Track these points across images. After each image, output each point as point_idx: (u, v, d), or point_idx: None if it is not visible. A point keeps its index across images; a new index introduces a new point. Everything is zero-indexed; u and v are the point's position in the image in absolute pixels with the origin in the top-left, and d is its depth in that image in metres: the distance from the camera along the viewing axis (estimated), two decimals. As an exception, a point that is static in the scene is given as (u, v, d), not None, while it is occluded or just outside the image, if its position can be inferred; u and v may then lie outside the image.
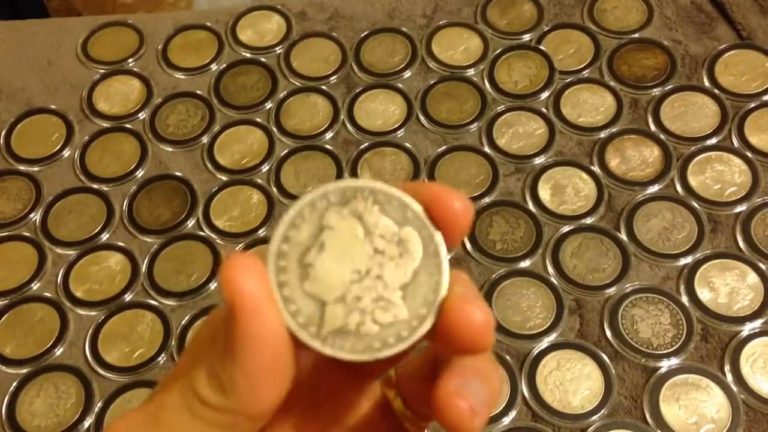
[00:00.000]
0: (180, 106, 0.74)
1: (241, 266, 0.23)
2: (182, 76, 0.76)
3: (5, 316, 0.63)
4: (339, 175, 0.69)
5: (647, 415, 0.56)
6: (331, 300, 0.24)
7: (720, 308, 0.60)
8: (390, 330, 0.24)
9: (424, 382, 0.27)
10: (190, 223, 0.67)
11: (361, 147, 0.70)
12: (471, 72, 0.74)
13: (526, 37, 0.76)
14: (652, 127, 0.70)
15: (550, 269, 0.63)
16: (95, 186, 0.69)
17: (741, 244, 0.63)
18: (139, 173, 0.70)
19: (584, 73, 0.73)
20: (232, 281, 0.23)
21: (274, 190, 0.68)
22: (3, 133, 0.72)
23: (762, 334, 0.59)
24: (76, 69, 0.76)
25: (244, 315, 0.23)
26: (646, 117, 0.70)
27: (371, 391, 0.29)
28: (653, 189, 0.66)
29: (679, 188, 0.66)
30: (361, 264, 0.24)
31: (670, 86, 0.72)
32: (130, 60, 0.77)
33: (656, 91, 0.71)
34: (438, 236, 0.24)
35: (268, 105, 0.73)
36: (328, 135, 0.71)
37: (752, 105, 0.70)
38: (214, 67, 0.76)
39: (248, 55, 0.77)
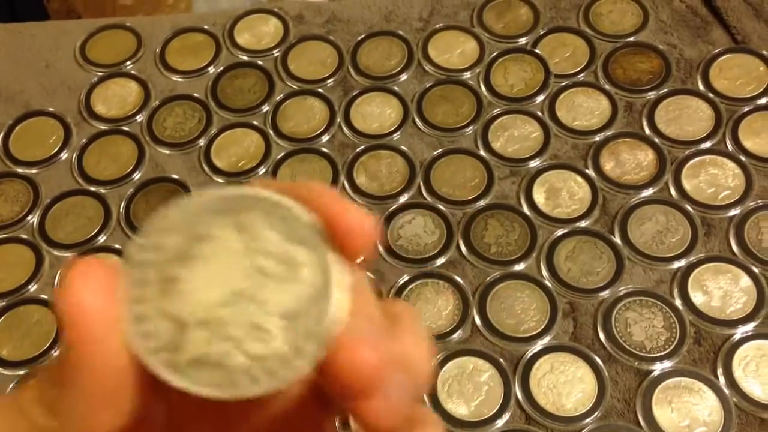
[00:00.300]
0: (177, 108, 0.74)
1: (83, 275, 0.19)
2: (180, 79, 0.76)
3: (2, 318, 0.63)
4: (335, 179, 0.69)
5: (640, 418, 0.57)
6: (193, 322, 0.19)
7: (713, 312, 0.61)
8: (262, 364, 0.19)
9: None
10: (187, 225, 0.67)
11: (357, 150, 0.70)
12: (467, 75, 0.74)
13: (522, 41, 0.76)
14: (647, 131, 0.70)
15: (545, 272, 0.63)
16: (93, 188, 0.70)
17: (734, 247, 0.63)
18: (137, 176, 0.70)
19: (579, 76, 0.74)
20: (71, 295, 0.19)
21: (271, 192, 0.68)
22: (1, 135, 0.73)
23: (754, 337, 0.59)
24: (74, 71, 0.77)
25: (81, 337, 0.19)
26: (640, 120, 0.71)
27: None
28: (647, 192, 0.67)
29: (673, 192, 0.67)
30: (236, 284, 0.20)
31: (665, 90, 0.72)
32: (128, 63, 0.77)
33: (651, 95, 0.72)
34: (332, 257, 0.20)
35: (265, 108, 0.74)
36: (325, 138, 0.72)
37: (746, 109, 0.70)
38: (211, 69, 0.76)
39: (245, 58, 0.77)
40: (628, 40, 0.75)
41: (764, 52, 0.73)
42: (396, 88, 0.74)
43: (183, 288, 0.19)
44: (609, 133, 0.70)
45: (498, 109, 0.72)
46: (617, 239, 0.64)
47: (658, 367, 0.58)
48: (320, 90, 0.74)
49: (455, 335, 0.61)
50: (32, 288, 0.65)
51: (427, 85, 0.74)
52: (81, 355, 0.19)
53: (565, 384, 0.58)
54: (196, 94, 0.75)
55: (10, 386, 0.60)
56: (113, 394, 0.19)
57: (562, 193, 0.67)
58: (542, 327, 0.61)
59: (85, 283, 0.19)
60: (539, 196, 0.67)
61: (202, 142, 0.72)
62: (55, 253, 0.66)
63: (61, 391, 0.19)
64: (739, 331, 0.60)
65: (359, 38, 0.77)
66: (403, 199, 0.68)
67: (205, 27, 0.79)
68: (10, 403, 0.21)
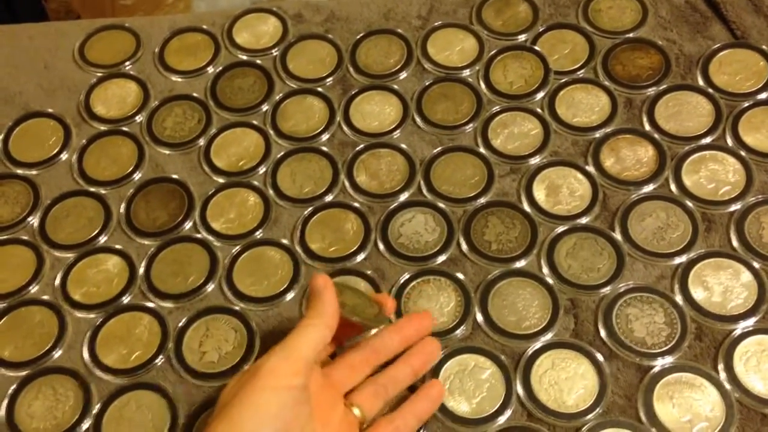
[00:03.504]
0: (177, 108, 0.74)
1: (324, 279, 0.53)
2: (179, 79, 0.76)
3: (4, 319, 0.63)
4: (335, 177, 0.69)
5: (641, 414, 0.57)
6: (349, 305, 0.53)
7: (714, 307, 0.61)
8: (374, 319, 0.54)
9: None
10: (187, 225, 0.67)
11: (357, 148, 0.70)
12: (466, 73, 0.74)
13: (521, 38, 0.76)
14: (647, 127, 0.70)
15: (545, 269, 0.63)
16: (93, 189, 0.70)
17: (735, 243, 0.63)
18: (137, 176, 0.70)
19: (579, 73, 0.74)
20: (323, 283, 0.52)
21: (271, 192, 0.69)
22: (0, 137, 0.73)
23: (755, 332, 0.59)
24: (73, 72, 0.77)
25: (329, 293, 0.52)
26: (640, 117, 0.71)
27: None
28: (648, 188, 0.67)
29: (673, 188, 0.67)
30: (355, 302, 0.54)
31: (665, 86, 0.72)
32: (127, 63, 0.77)
33: (651, 91, 0.72)
34: (383, 309, 0.56)
35: (265, 107, 0.74)
36: (324, 137, 0.72)
37: (746, 104, 0.70)
38: (210, 69, 0.76)
39: (244, 57, 0.77)
40: (627, 36, 0.75)
41: (764, 47, 0.73)
42: (395, 87, 0.74)
43: (343, 297, 0.53)
44: (609, 129, 0.70)
45: (498, 107, 0.72)
46: (618, 236, 0.64)
47: (659, 363, 0.58)
48: (319, 89, 0.74)
49: (457, 332, 0.61)
50: (33, 289, 0.65)
51: (427, 83, 0.74)
52: (330, 296, 0.52)
53: (567, 380, 0.58)
54: (195, 94, 0.75)
55: (12, 387, 0.60)
56: (335, 311, 0.52)
57: (563, 190, 0.67)
58: (543, 324, 0.61)
59: (325, 281, 0.53)
60: (539, 193, 0.67)
61: (201, 141, 0.72)
62: (56, 254, 0.66)
63: (320, 306, 0.52)
64: (740, 327, 0.60)
65: (358, 37, 0.77)
66: (403, 197, 0.68)
67: (204, 27, 0.79)
68: (299, 328, 0.51)
